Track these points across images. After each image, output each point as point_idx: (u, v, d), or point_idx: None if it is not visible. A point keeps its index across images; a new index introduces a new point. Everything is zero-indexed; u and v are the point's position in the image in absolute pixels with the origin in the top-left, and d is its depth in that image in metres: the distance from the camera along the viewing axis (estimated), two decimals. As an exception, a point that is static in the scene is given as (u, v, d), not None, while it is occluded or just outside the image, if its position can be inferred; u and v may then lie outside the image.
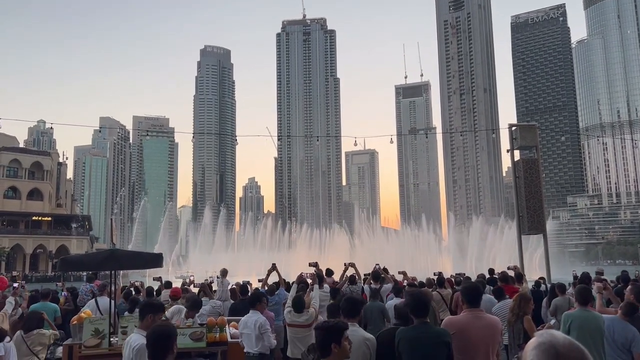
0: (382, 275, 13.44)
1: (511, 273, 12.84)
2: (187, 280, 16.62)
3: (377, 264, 14.10)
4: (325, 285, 12.29)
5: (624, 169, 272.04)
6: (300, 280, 11.73)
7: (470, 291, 5.74)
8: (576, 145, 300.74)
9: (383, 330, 5.91)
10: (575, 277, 14.34)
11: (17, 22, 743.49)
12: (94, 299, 11.07)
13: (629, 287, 7.38)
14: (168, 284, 15.03)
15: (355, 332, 5.57)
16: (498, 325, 5.66)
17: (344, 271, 13.45)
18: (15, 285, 12.41)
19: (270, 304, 11.27)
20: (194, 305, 9.64)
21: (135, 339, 5.20)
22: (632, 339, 6.20)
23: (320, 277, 12.26)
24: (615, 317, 6.69)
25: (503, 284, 11.22)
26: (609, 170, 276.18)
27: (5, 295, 10.63)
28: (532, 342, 1.96)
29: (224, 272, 15.06)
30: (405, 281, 14.43)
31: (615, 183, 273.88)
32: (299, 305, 8.13)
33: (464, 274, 18.32)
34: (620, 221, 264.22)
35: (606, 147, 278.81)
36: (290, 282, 13.79)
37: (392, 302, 9.86)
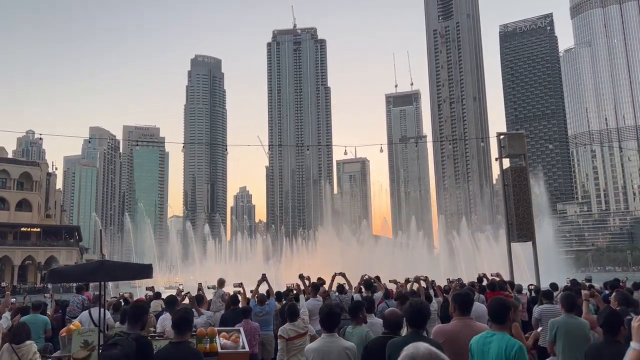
0: (375, 284, 13.47)
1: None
2: (179, 290, 16.44)
3: (366, 274, 14.09)
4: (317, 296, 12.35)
5: (612, 176, 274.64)
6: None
7: (462, 298, 5.72)
8: (565, 153, 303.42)
9: (372, 339, 5.92)
10: (560, 287, 14.42)
11: (5, 32, 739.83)
12: (87, 311, 10.95)
13: (614, 293, 7.47)
14: (157, 295, 14.93)
15: (335, 342, 5.59)
16: (488, 334, 5.69)
17: (332, 280, 13.52)
18: (13, 300, 12.31)
19: (260, 314, 11.26)
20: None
21: None
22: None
23: (316, 287, 12.41)
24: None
25: (489, 291, 11.26)
26: (597, 177, 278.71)
27: (0, 310, 10.55)
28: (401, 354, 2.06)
29: (221, 283, 14.50)
30: (396, 290, 14.42)
31: (604, 190, 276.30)
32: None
33: (458, 279, 18.32)
34: (610, 228, 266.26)
35: (595, 155, 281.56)
36: (282, 292, 13.83)
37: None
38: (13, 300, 12.24)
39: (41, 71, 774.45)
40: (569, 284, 14.87)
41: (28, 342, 7.95)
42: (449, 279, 18.81)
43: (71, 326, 9.35)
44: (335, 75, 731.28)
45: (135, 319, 5.77)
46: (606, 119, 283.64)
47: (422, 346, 2.06)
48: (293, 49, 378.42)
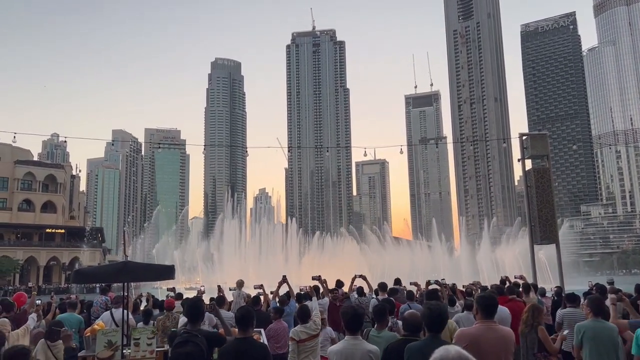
0: (394, 287, 13.38)
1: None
2: (200, 291, 16.57)
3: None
4: (325, 298, 12.41)
5: (638, 176, 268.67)
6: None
7: (485, 301, 5.62)
8: (589, 154, 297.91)
9: (393, 341, 5.87)
10: (587, 291, 14.09)
11: (30, 37, 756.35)
12: (109, 311, 11.13)
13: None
14: (179, 296, 15.06)
15: (358, 344, 5.56)
16: (511, 337, 5.58)
17: (352, 282, 13.47)
18: (39, 302, 12.53)
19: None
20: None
21: None
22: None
23: (317, 289, 12.44)
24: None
25: (499, 295, 11.06)
26: (622, 178, 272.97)
27: (27, 310, 10.74)
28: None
29: (240, 284, 14.89)
30: (418, 292, 14.32)
31: (630, 191, 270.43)
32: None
33: (477, 282, 18.12)
34: (636, 230, 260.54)
35: (619, 155, 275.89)
36: (302, 294, 13.85)
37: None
38: (38, 302, 12.45)
39: (65, 76, 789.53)
40: (592, 288, 14.52)
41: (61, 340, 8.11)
42: (464, 285, 18.58)
43: (95, 326, 9.48)
44: (354, 77, 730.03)
45: (196, 317, 5.93)
46: (631, 118, 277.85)
47: (453, 349, 2.10)
48: (312, 50, 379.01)
